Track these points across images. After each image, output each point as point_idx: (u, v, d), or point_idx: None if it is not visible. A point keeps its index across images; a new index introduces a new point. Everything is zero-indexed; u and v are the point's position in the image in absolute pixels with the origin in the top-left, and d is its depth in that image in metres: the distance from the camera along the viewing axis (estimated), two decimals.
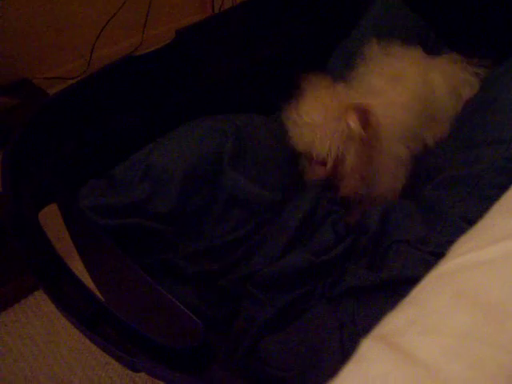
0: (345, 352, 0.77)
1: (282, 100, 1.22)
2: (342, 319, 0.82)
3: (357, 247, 0.93)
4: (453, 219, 0.93)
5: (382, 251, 0.92)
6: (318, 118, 0.92)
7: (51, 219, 0.82)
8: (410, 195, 1.03)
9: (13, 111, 1.44)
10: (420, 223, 0.95)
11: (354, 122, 0.89)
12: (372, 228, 0.93)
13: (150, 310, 0.67)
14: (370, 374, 0.31)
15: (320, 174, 0.98)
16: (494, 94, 1.04)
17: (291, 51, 1.21)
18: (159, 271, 0.89)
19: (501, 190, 0.48)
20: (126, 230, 0.89)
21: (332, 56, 1.24)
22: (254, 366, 0.77)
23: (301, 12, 1.22)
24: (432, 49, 1.23)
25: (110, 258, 0.70)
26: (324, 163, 0.95)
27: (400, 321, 0.35)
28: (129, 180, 0.95)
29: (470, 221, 0.89)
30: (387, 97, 1.02)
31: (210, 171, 0.98)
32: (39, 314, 1.05)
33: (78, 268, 0.79)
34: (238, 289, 0.88)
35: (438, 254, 0.87)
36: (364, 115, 0.90)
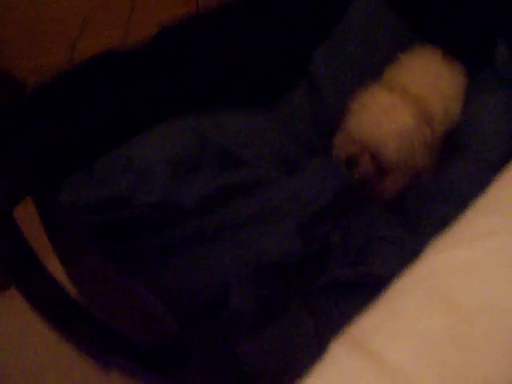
0: (322, 354, 0.77)
1: (266, 94, 1.22)
2: (320, 320, 0.82)
3: (332, 242, 0.93)
4: (432, 220, 0.93)
5: (361, 247, 0.92)
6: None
7: (28, 215, 0.81)
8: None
9: None
10: (398, 222, 0.95)
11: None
12: (344, 223, 0.93)
13: (126, 308, 0.66)
14: (339, 375, 0.31)
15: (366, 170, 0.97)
16: (473, 113, 1.04)
17: (273, 49, 1.21)
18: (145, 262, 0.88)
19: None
20: (109, 224, 0.88)
21: (314, 54, 1.23)
22: (230, 365, 0.77)
23: (284, 9, 1.21)
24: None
25: (86, 254, 0.69)
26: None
27: (370, 322, 0.35)
28: (110, 173, 0.94)
29: (449, 223, 0.90)
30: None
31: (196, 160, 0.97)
32: (13, 310, 1.03)
33: (56, 266, 0.78)
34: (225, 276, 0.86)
35: (417, 254, 0.88)
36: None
